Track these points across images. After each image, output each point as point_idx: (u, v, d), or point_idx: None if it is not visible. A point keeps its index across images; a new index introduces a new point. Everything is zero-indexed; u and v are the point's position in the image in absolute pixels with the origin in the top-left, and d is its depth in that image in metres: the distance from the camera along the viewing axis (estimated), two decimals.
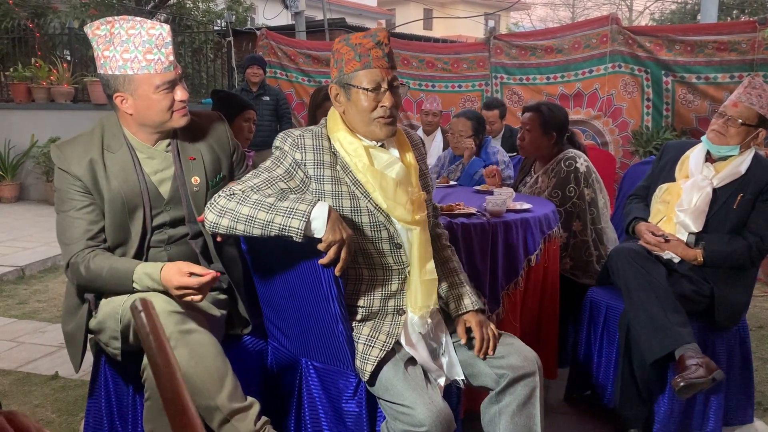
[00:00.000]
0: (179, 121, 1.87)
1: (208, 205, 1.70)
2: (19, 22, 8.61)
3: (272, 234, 1.61)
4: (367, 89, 1.69)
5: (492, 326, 1.83)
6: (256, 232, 1.62)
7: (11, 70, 8.19)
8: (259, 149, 5.76)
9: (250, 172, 1.77)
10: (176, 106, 1.85)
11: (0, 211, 7.31)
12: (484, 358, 1.77)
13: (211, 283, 1.72)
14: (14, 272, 4.75)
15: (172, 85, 1.82)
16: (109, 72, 1.80)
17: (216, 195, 1.70)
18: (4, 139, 8.04)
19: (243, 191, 1.68)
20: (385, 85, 1.70)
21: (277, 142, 1.77)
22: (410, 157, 1.82)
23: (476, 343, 1.78)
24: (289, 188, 1.71)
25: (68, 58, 8.76)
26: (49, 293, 4.38)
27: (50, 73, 8.07)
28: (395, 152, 1.79)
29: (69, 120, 7.69)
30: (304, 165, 1.73)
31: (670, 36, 5.40)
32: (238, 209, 1.63)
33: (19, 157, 8.06)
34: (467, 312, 1.86)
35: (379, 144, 1.77)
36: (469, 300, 1.88)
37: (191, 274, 1.70)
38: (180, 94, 1.84)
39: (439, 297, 1.90)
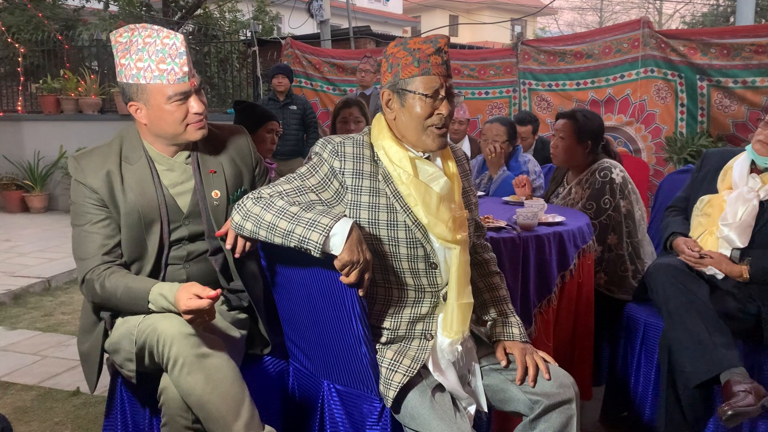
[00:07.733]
0: (194, 134, 1.81)
1: (235, 206, 1.66)
2: (50, 35, 8.73)
3: (291, 245, 1.54)
4: (425, 95, 1.61)
5: (538, 353, 1.72)
6: (277, 240, 1.56)
7: (40, 81, 8.29)
8: (286, 158, 5.73)
9: (284, 177, 1.71)
10: (191, 118, 1.78)
11: (29, 222, 7.39)
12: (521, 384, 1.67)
13: (214, 301, 1.63)
14: (40, 284, 4.76)
15: (185, 96, 1.75)
16: (124, 80, 1.77)
17: (244, 197, 1.66)
18: (34, 150, 8.15)
19: (270, 196, 1.63)
20: (442, 93, 1.63)
21: (316, 148, 1.70)
22: (453, 169, 1.72)
23: (518, 371, 1.67)
24: (320, 200, 1.64)
25: (96, 69, 8.85)
26: (74, 305, 4.37)
27: (78, 85, 8.16)
28: (439, 163, 1.71)
29: (96, 130, 7.75)
30: (342, 174, 1.65)
31: (705, 39, 5.22)
32: (262, 215, 1.58)
33: (48, 168, 8.16)
34: (512, 340, 1.75)
35: (425, 156, 1.69)
36: (518, 331, 1.78)
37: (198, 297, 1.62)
38: (195, 106, 1.77)
39: (483, 323, 1.81)
